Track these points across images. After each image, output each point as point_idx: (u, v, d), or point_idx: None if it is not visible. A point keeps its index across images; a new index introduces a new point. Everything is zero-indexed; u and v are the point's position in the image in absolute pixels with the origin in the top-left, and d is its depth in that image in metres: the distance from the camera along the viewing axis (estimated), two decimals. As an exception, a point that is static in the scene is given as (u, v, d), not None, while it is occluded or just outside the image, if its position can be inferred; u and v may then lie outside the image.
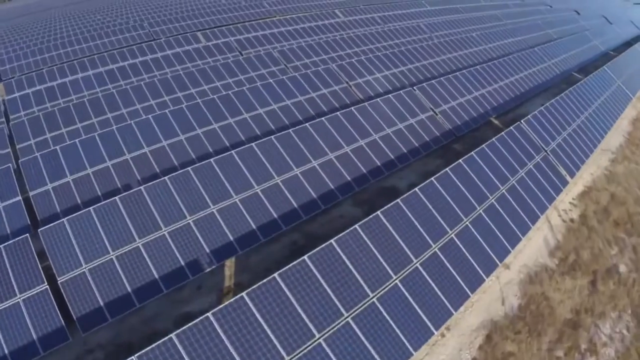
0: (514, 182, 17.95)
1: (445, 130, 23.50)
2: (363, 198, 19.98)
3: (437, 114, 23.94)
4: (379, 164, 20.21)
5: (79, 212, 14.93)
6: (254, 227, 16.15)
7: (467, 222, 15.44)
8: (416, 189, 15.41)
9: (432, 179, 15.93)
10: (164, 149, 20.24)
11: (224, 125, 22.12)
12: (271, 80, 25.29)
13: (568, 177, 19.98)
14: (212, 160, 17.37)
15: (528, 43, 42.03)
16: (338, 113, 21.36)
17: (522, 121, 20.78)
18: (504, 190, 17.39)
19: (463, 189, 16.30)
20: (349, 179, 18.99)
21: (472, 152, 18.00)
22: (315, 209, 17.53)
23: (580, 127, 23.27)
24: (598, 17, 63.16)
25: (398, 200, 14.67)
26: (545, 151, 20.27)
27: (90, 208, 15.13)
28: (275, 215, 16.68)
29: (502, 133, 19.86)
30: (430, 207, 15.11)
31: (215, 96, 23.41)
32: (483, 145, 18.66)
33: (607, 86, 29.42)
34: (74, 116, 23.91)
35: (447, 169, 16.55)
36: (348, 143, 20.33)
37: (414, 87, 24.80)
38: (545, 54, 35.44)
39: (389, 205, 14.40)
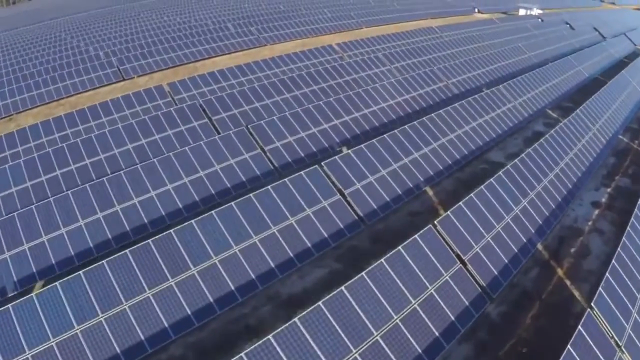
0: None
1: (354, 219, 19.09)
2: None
3: (346, 198, 19.57)
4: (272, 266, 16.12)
5: None
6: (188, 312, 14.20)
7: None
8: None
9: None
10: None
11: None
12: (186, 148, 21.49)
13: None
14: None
15: (494, 76, 36.43)
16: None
17: (436, 222, 16.29)
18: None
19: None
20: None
21: (361, 274, 13.74)
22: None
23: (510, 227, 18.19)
24: (590, 30, 58.08)
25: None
26: (462, 262, 15.77)
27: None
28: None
29: (416, 236, 15.51)
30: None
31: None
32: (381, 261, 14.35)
33: (575, 140, 24.77)
34: None
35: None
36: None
37: (322, 164, 20.28)
38: (513, 92, 30.82)
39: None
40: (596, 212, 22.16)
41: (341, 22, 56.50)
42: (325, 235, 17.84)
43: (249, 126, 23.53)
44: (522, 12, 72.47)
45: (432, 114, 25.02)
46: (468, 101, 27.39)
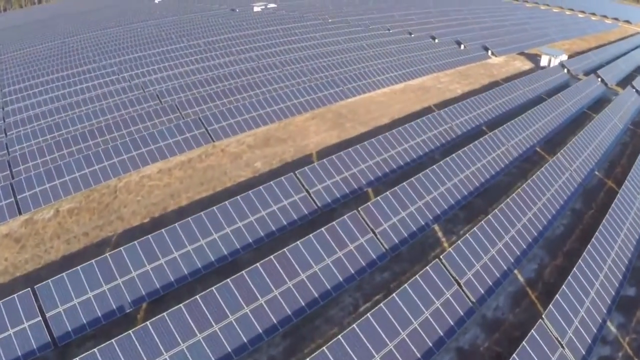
0: None
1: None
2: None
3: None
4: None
5: None
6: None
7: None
8: None
9: None
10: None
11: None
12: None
13: None
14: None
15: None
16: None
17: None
18: None
19: None
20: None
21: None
22: None
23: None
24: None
25: None
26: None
27: None
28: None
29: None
30: None
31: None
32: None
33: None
34: None
35: None
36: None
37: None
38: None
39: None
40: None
41: (321, 93, 47.76)
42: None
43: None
44: (544, 60, 67.46)
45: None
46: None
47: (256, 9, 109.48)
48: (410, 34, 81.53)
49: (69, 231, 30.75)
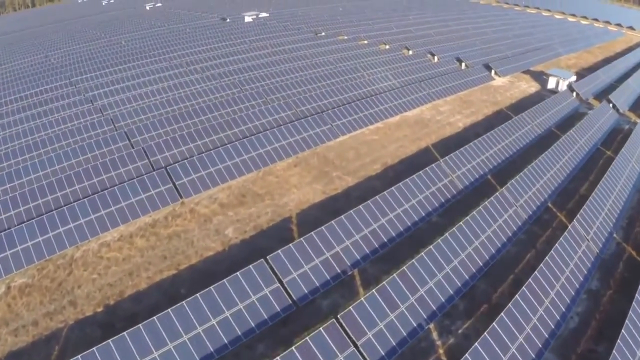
0: None
1: None
2: None
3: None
4: None
5: None
6: None
7: None
8: None
9: None
10: None
11: None
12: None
13: None
14: None
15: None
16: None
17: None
18: None
19: None
20: None
21: None
22: None
23: None
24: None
25: None
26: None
27: None
28: None
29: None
30: None
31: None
32: None
33: None
34: None
35: None
36: None
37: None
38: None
39: None
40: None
41: (306, 133, 42.60)
42: None
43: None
44: (552, 82, 62.62)
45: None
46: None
47: (247, 18, 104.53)
48: (408, 49, 76.63)
49: (18, 317, 26.47)
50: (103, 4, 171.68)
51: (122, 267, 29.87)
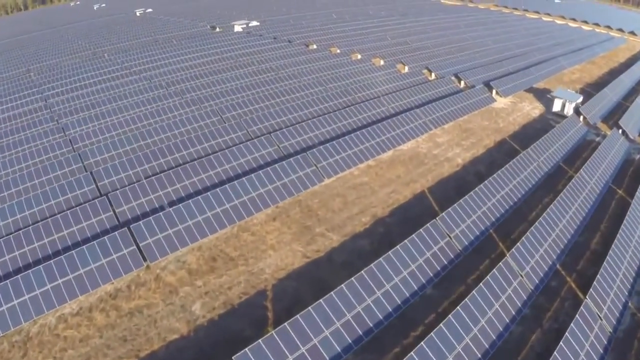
0: None
1: None
2: None
3: None
4: None
5: None
6: None
7: None
8: None
9: None
10: None
11: None
12: None
13: None
14: None
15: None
16: None
17: None
18: None
19: None
20: None
21: None
22: None
23: None
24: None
25: None
26: None
27: None
28: None
29: None
30: None
31: None
32: None
33: None
34: None
35: None
36: None
37: None
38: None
39: None
40: None
41: (287, 178, 38.51)
42: None
43: None
44: (557, 104, 58.56)
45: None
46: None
47: (237, 28, 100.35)
48: (404, 65, 72.46)
49: None
50: (94, 8, 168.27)
51: (80, 350, 26.01)
